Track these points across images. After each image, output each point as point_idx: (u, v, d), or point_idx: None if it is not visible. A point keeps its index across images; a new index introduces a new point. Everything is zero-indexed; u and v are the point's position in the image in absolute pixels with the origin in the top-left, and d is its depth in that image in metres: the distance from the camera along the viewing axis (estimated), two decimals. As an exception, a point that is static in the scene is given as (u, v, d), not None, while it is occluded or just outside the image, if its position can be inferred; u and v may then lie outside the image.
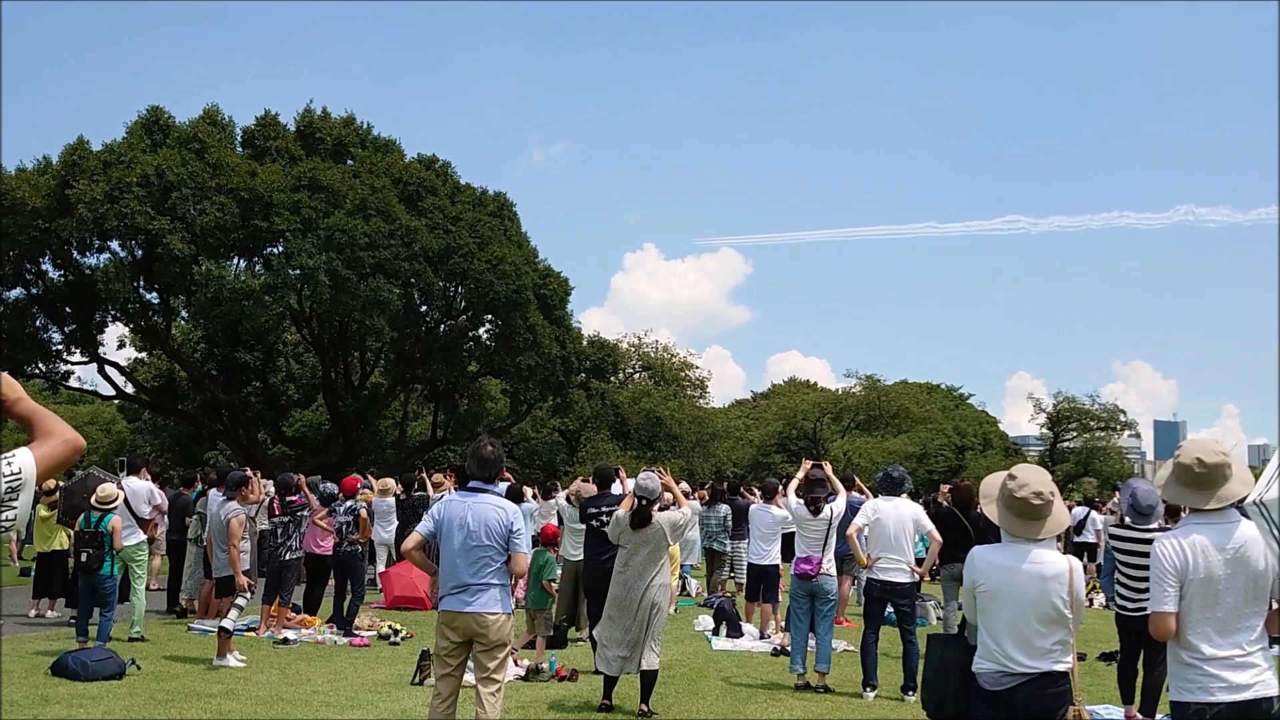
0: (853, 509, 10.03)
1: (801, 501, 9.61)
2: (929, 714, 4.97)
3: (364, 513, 12.62)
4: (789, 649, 10.01)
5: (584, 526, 11.09)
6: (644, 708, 8.06)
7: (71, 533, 12.80)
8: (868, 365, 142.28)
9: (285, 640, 11.30)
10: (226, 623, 10.03)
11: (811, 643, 9.63)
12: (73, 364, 29.23)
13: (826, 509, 9.53)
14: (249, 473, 11.94)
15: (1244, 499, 4.28)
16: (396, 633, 11.80)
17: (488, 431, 28.24)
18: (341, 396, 31.98)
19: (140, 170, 24.61)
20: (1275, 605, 4.21)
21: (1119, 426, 55.87)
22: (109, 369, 29.81)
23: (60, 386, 30.81)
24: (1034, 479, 4.39)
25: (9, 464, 2.45)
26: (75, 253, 26.73)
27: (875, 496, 9.98)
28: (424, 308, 29.80)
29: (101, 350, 29.18)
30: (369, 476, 18.19)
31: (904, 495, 9.81)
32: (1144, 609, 5.99)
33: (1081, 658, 9.69)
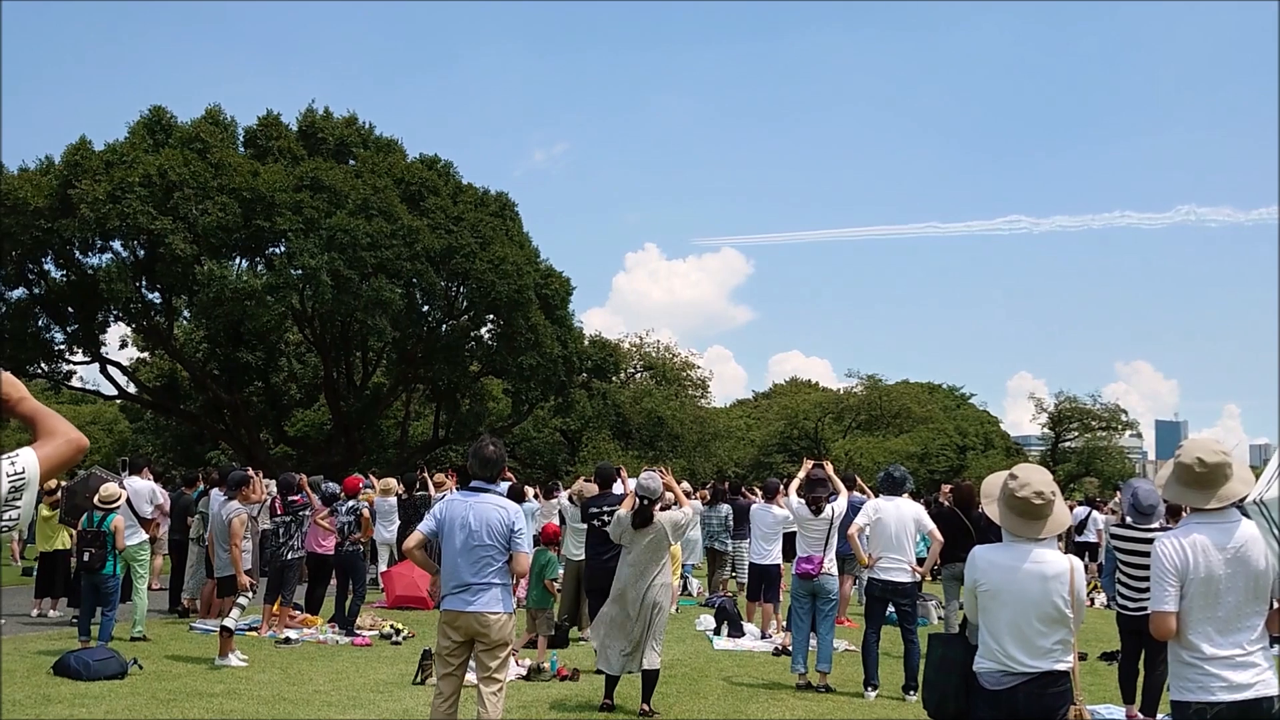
0: (854, 509, 10.04)
1: (803, 501, 9.61)
2: (930, 713, 4.98)
3: (366, 512, 12.63)
4: (790, 648, 10.01)
5: (586, 526, 11.11)
6: (645, 707, 8.07)
7: (73, 532, 12.82)
8: (869, 365, 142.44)
9: (287, 640, 11.31)
10: (228, 622, 10.04)
11: (813, 642, 9.63)
12: (75, 364, 29.25)
13: (828, 509, 9.53)
14: (250, 472, 11.95)
15: (1245, 498, 4.29)
16: (398, 632, 11.81)
17: (489, 431, 28.24)
18: (343, 396, 31.99)
19: (142, 170, 24.62)
20: (1276, 605, 4.22)
21: (1120, 426, 55.84)
22: (111, 369, 29.82)
23: (62, 386, 30.82)
24: (1035, 479, 4.40)
25: (12, 463, 2.45)
26: (77, 253, 26.74)
27: (876, 496, 9.98)
28: (426, 308, 29.80)
29: (104, 350, 29.21)
30: (371, 476, 18.21)
31: (905, 495, 9.82)
32: (1145, 608, 6.00)
33: (1082, 657, 9.70)
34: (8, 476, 2.42)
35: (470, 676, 6.21)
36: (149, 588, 12.26)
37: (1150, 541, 5.73)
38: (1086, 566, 16.11)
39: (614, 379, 40.38)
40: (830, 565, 9.58)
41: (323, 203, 25.82)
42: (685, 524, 8.48)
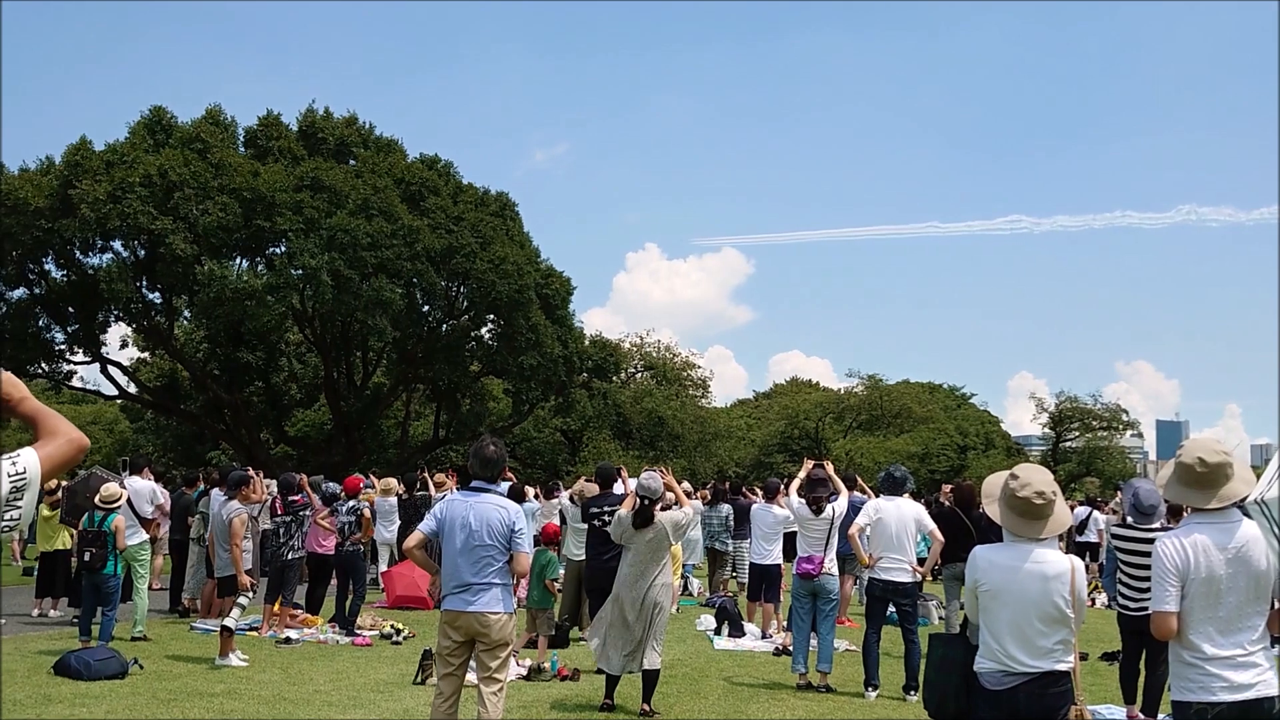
0: (854, 509, 10.04)
1: (803, 501, 9.61)
2: (931, 713, 4.98)
3: (367, 512, 12.63)
4: (791, 649, 10.01)
5: (586, 526, 11.10)
6: (646, 707, 8.07)
7: (74, 532, 12.82)
8: (870, 365, 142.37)
9: (287, 640, 11.31)
10: (229, 622, 10.04)
11: (813, 642, 9.63)
12: (75, 364, 29.27)
13: (828, 509, 9.53)
14: (251, 472, 11.96)
15: (1246, 498, 4.28)
16: (399, 632, 11.81)
17: (490, 431, 28.25)
18: (344, 396, 32.00)
19: (143, 170, 24.64)
20: (1277, 605, 4.21)
21: (1121, 426, 55.84)
22: (112, 369, 29.83)
23: (63, 386, 30.84)
24: (1036, 478, 4.39)
25: (14, 463, 2.45)
26: (78, 253, 26.76)
27: (877, 496, 9.98)
28: (426, 308, 29.82)
29: (104, 350, 29.23)
30: (371, 476, 18.22)
31: (906, 495, 9.81)
32: (1146, 609, 6.00)
33: (1083, 657, 9.70)
34: (9, 477, 2.42)
35: (471, 676, 6.21)
36: (149, 588, 12.27)
37: (1151, 542, 5.73)
38: (1087, 566, 16.07)
39: (614, 379, 40.39)
40: (831, 565, 9.58)
41: (323, 203, 25.84)
42: (686, 524, 8.48)
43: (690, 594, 16.07)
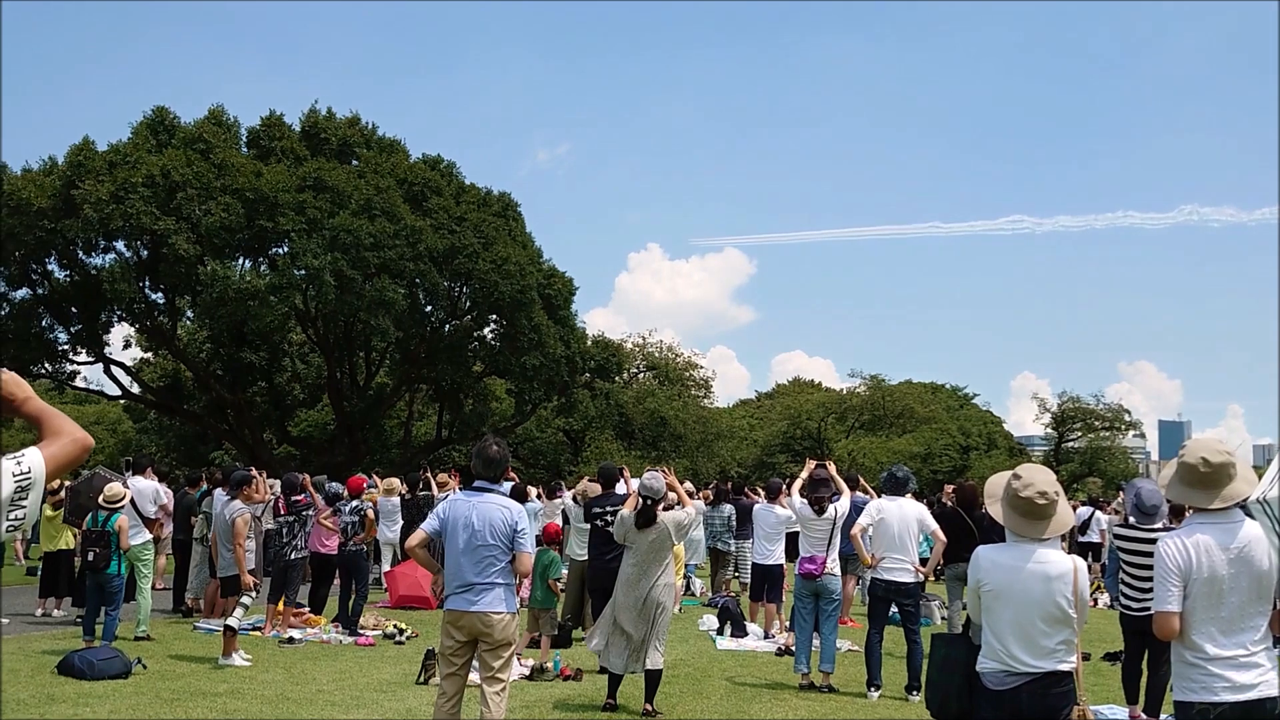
0: (857, 509, 10.03)
1: (805, 501, 9.60)
2: (933, 713, 4.97)
3: (370, 513, 12.63)
4: (793, 649, 10.01)
5: (589, 526, 11.10)
6: (648, 707, 8.07)
7: (77, 532, 12.83)
8: (872, 365, 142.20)
9: (290, 639, 11.32)
10: (232, 622, 10.05)
11: (816, 642, 9.62)
12: (78, 364, 29.33)
13: (831, 509, 9.53)
14: (253, 472, 11.97)
15: (1248, 498, 4.28)
16: (401, 632, 11.82)
17: (493, 431, 28.26)
18: (347, 396, 32.03)
19: (145, 171, 24.67)
20: (1279, 605, 4.21)
21: (1124, 426, 55.74)
22: (115, 369, 29.88)
23: (66, 386, 30.88)
24: (1039, 478, 4.39)
25: (18, 463, 2.46)
26: (81, 253, 26.81)
27: (879, 496, 9.98)
28: (429, 308, 29.85)
29: (107, 350, 29.28)
30: (374, 476, 18.23)
31: (908, 495, 9.81)
32: (1148, 609, 5.99)
33: (1086, 657, 9.70)
34: (13, 476, 2.43)
35: (474, 676, 6.21)
36: (153, 587, 12.28)
37: (1153, 542, 5.72)
38: (1090, 567, 16.08)
39: (617, 379, 40.41)
40: (833, 565, 9.57)
41: (326, 203, 25.86)
42: (688, 524, 8.48)
43: (693, 594, 16.07)
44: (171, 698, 8.40)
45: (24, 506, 2.46)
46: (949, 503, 13.22)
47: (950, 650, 4.95)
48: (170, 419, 37.97)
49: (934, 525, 9.47)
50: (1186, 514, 4.49)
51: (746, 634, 12.29)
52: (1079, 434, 55.56)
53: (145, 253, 26.49)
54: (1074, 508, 18.34)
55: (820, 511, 9.48)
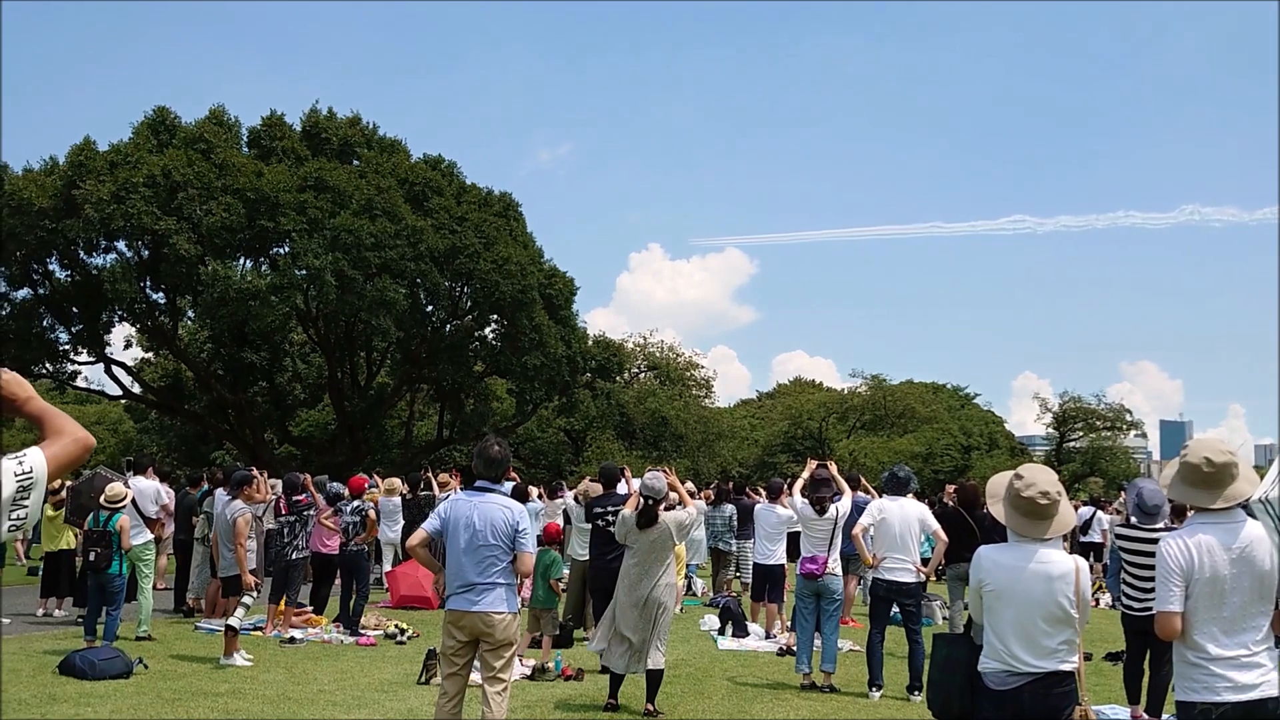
0: (858, 509, 10.03)
1: (807, 501, 9.60)
2: (934, 713, 4.97)
3: (371, 513, 12.63)
4: (794, 649, 10.01)
5: (590, 526, 11.09)
6: (650, 707, 8.06)
7: (78, 532, 12.83)
8: (873, 365, 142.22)
9: (292, 639, 11.32)
10: (233, 621, 10.05)
11: (817, 642, 9.62)
12: (80, 364, 29.33)
13: (832, 509, 9.52)
14: (254, 472, 11.97)
15: (1250, 498, 4.27)
16: (403, 632, 11.82)
17: (494, 431, 28.26)
18: (348, 396, 32.03)
19: (147, 171, 24.68)
20: (1281, 605, 4.20)
21: (1125, 426, 55.76)
22: (116, 369, 29.89)
23: (67, 386, 30.90)
24: (1041, 478, 4.39)
25: (20, 463, 2.46)
26: (82, 253, 26.81)
27: (880, 496, 9.97)
28: (430, 308, 29.85)
29: (108, 350, 29.28)
30: (375, 476, 18.23)
31: (909, 495, 9.81)
32: (1150, 609, 5.99)
33: (1087, 657, 9.70)
34: (15, 476, 2.43)
35: (475, 676, 6.21)
36: (154, 587, 12.28)
37: (1155, 542, 5.72)
38: (1091, 567, 16.04)
39: (618, 379, 40.41)
40: (834, 565, 9.57)
41: (327, 203, 25.86)
42: (690, 524, 8.47)
43: (694, 594, 16.06)
44: (173, 698, 8.40)
45: (26, 506, 2.45)
46: (950, 503, 13.21)
47: (952, 650, 4.95)
48: (171, 419, 37.98)
49: (935, 525, 9.46)
50: (1188, 514, 4.48)
51: (748, 634, 12.29)
52: (1080, 434, 55.57)
53: (146, 253, 26.50)
54: (1075, 508, 18.32)
55: (821, 511, 9.48)
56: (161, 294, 28.18)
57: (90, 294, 26.65)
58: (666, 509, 8.27)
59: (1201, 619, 4.10)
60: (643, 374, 48.99)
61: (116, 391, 31.41)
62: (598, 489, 11.70)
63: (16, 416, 2.65)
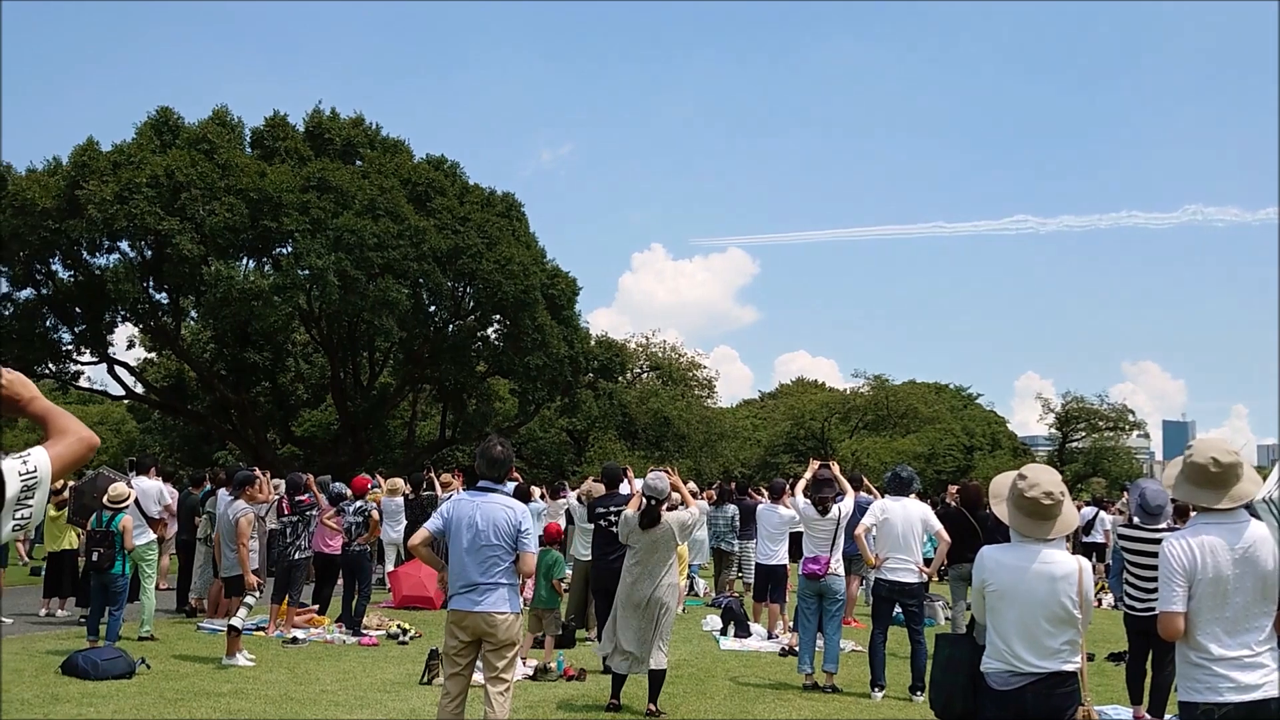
0: (860, 509, 10.03)
1: (809, 501, 9.60)
2: (937, 714, 4.97)
3: (375, 514, 12.63)
4: (797, 649, 10.00)
5: (593, 526, 11.09)
6: (652, 707, 8.07)
7: (81, 532, 12.85)
8: (876, 365, 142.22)
9: (294, 639, 11.33)
10: (236, 622, 10.06)
11: (819, 643, 9.62)
12: (82, 364, 29.36)
13: (834, 509, 9.52)
14: (257, 472, 11.97)
15: (1254, 498, 4.27)
16: (405, 632, 11.82)
17: (496, 431, 28.27)
18: (350, 396, 32.05)
19: (150, 171, 24.70)
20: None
21: (1128, 427, 55.66)
22: (119, 369, 29.93)
23: (70, 387, 30.94)
24: (1045, 479, 4.38)
25: (25, 462, 2.46)
26: (85, 253, 26.85)
27: (883, 496, 9.97)
28: (432, 308, 29.86)
29: (111, 350, 29.31)
30: (378, 476, 18.23)
31: (912, 495, 9.80)
32: (1153, 609, 5.99)
33: (1090, 658, 9.69)
34: (19, 475, 2.43)
35: (477, 676, 6.21)
36: (156, 587, 12.29)
37: (1158, 542, 5.72)
38: (1094, 567, 16.07)
39: (620, 379, 40.39)
40: (837, 565, 9.56)
41: (329, 203, 25.88)
42: (692, 524, 8.48)
43: (696, 594, 16.06)
44: (175, 698, 8.41)
45: (30, 506, 2.45)
46: (953, 503, 13.21)
47: (954, 650, 4.95)
48: (174, 419, 38.01)
49: (938, 525, 9.46)
50: (1191, 514, 4.47)
51: (750, 634, 12.29)
52: (1083, 434, 55.51)
53: (149, 253, 26.52)
54: (1078, 508, 18.31)
55: (824, 512, 9.48)
56: (164, 294, 28.20)
57: (93, 294, 26.68)
58: (669, 509, 8.27)
59: (1204, 619, 4.10)
60: (645, 374, 48.99)
61: (119, 392, 31.47)
62: (600, 489, 11.69)
63: (20, 416, 2.66)
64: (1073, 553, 4.62)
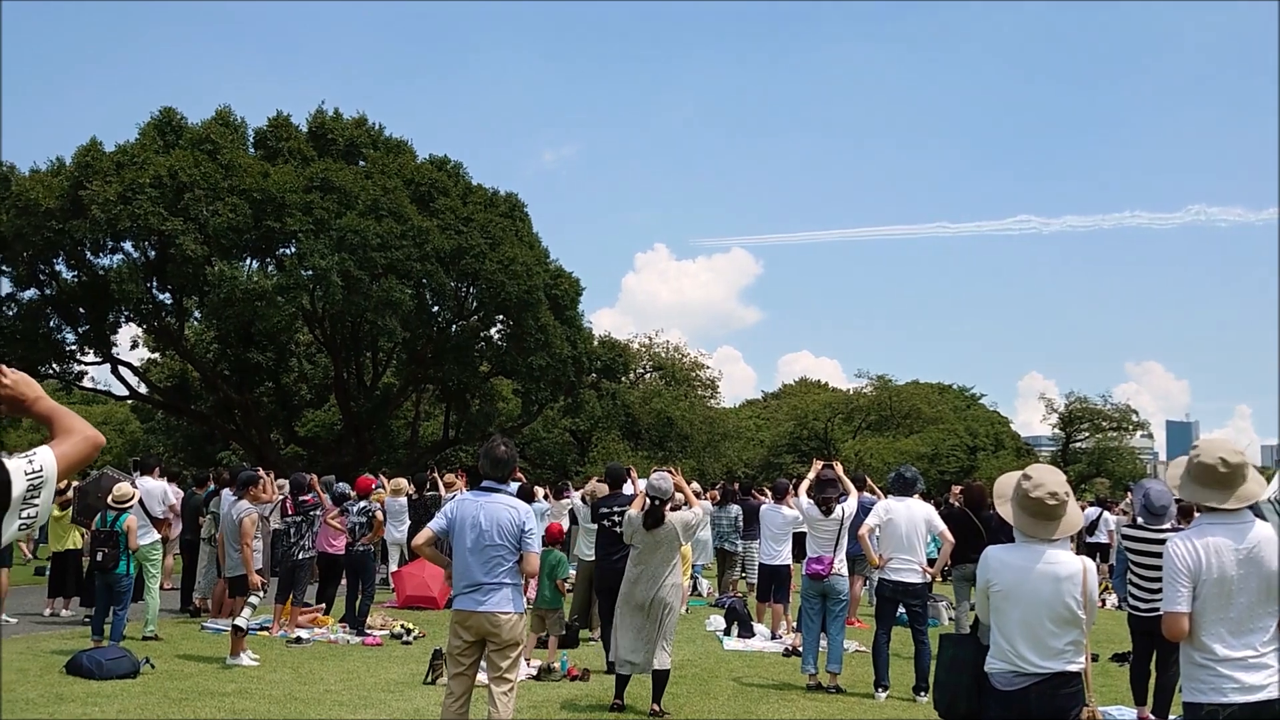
0: (864, 509, 10.03)
1: (813, 502, 9.60)
2: (941, 714, 4.97)
3: (379, 514, 12.64)
4: (800, 649, 10.00)
5: (596, 526, 11.10)
6: (655, 707, 8.07)
7: (85, 532, 12.87)
8: (879, 365, 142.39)
9: (298, 639, 11.34)
10: (240, 621, 10.08)
11: (823, 643, 9.62)
12: (86, 364, 29.38)
13: (838, 509, 9.52)
14: (260, 472, 11.98)
15: (1260, 499, 4.26)
16: (409, 632, 11.83)
17: (500, 431, 28.27)
18: (354, 396, 32.05)
19: (153, 171, 24.72)
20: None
21: (1131, 427, 55.66)
22: (122, 369, 29.95)
23: (74, 387, 30.96)
24: (1049, 479, 4.38)
25: (30, 462, 2.46)
26: (88, 253, 26.87)
27: (887, 497, 9.97)
28: (436, 308, 29.87)
29: (115, 351, 29.32)
30: (381, 476, 18.24)
31: (916, 496, 9.80)
32: (1157, 609, 5.98)
33: (1094, 658, 9.67)
34: (25, 475, 2.44)
35: (481, 676, 6.22)
36: (161, 587, 12.31)
37: (1162, 542, 5.72)
38: (1098, 567, 16.02)
39: (623, 379, 40.39)
40: (840, 566, 9.56)
41: (333, 203, 25.89)
42: (696, 524, 8.48)
43: (699, 594, 16.07)
44: (179, 697, 8.42)
45: (36, 505, 2.46)
46: (957, 503, 13.20)
47: (958, 651, 4.95)
48: (177, 419, 38.03)
49: (941, 526, 9.46)
50: (1195, 514, 4.46)
51: (753, 634, 12.28)
52: (1086, 434, 55.50)
53: (153, 253, 26.53)
54: (1082, 508, 18.26)
55: (827, 512, 9.48)
56: (168, 294, 28.22)
57: (97, 294, 26.71)
58: (672, 509, 8.28)
59: (1209, 620, 4.09)
60: (648, 374, 48.99)
61: (123, 392, 31.48)
62: (604, 489, 11.70)
63: (25, 416, 2.66)
64: (1077, 553, 4.62)
